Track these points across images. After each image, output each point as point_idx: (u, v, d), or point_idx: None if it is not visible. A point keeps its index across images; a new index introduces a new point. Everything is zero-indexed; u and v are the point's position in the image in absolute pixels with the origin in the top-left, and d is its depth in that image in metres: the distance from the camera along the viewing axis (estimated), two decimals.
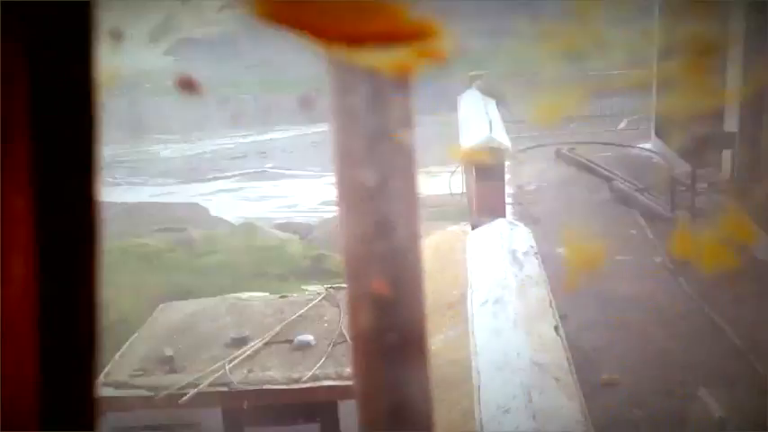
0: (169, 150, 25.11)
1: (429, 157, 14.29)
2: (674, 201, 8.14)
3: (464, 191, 9.70)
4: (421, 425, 0.83)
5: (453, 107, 10.80)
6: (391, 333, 0.81)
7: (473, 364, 5.13)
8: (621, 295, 6.49)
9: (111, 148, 25.61)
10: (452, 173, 10.76)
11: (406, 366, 0.82)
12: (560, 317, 5.48)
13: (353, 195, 0.80)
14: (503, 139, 7.79)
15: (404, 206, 0.81)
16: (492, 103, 10.02)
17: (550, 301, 5.64)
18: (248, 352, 7.34)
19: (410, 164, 0.81)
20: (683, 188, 8.07)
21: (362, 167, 0.78)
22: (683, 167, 8.74)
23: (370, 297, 0.81)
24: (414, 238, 0.83)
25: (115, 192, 19.78)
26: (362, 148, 0.78)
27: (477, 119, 8.90)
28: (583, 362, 5.17)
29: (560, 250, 7.55)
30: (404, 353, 0.82)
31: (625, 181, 9.31)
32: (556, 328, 5.22)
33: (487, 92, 10.72)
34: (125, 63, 33.42)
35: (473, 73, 11.85)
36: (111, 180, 21.49)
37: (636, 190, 8.97)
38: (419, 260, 0.83)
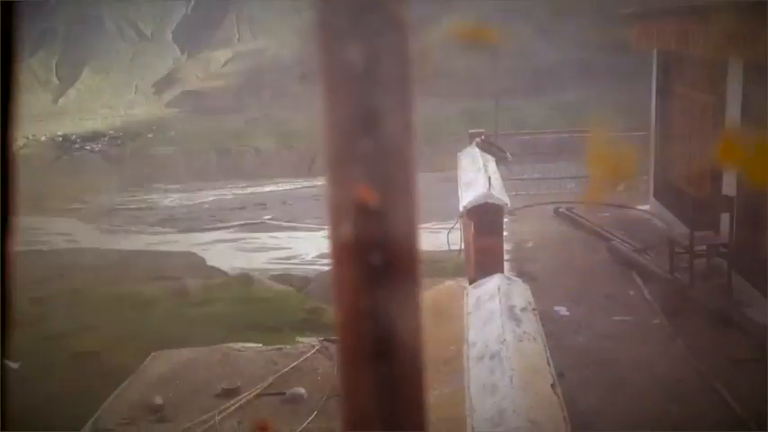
0: (169, 200, 25.16)
1: (429, 214, 14.33)
2: (673, 262, 8.11)
3: (462, 247, 9.67)
4: (408, 356, 0.72)
5: (453, 164, 10.85)
6: (376, 249, 0.70)
7: (468, 421, 5.03)
8: (619, 355, 6.40)
9: (110, 195, 25.68)
10: (450, 229, 10.76)
11: (393, 289, 0.71)
12: (557, 375, 5.40)
13: (336, 79, 0.69)
14: (502, 195, 7.80)
15: (396, 93, 0.69)
16: (491, 161, 10.06)
17: (548, 359, 5.56)
18: (239, 403, 7.23)
19: (404, 42, 0.69)
20: (682, 250, 8.04)
21: (346, 43, 0.67)
22: (681, 229, 8.74)
23: (353, 205, 0.70)
24: (407, 133, 0.70)
25: (112, 239, 19.75)
26: (347, 20, 0.67)
27: (477, 176, 8.93)
28: (580, 422, 5.07)
29: (558, 308, 7.49)
30: (391, 273, 0.71)
31: (623, 242, 9.30)
32: (553, 386, 5.13)
33: (487, 149, 10.78)
34: (129, 113, 33.76)
35: (473, 130, 11.94)
36: (108, 227, 21.47)
37: (634, 251, 8.95)
38: (412, 161, 0.71)
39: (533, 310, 6.52)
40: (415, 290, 0.72)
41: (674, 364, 6.30)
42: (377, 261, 0.70)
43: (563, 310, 7.50)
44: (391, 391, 0.72)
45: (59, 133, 31.42)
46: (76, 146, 30.28)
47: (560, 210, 11.06)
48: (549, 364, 5.56)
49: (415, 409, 0.74)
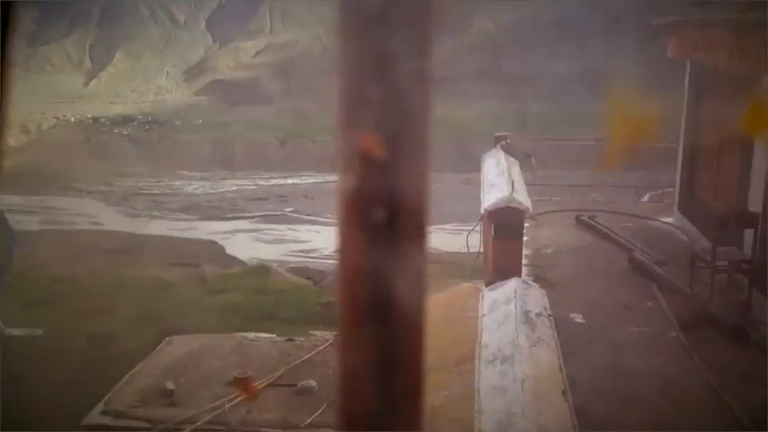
0: (192, 187, 25.31)
1: (449, 215, 14.30)
2: (693, 276, 8.03)
3: (481, 250, 9.64)
4: (407, 319, 0.69)
5: (477, 166, 10.81)
6: (381, 203, 0.67)
7: (476, 422, 5.02)
8: (633, 367, 6.35)
9: (134, 180, 25.89)
10: (470, 231, 10.72)
11: (397, 247, 0.68)
12: (569, 383, 5.37)
13: (352, 22, 0.66)
14: (523, 199, 7.77)
15: (412, 36, 0.66)
16: (515, 164, 10.02)
17: (560, 366, 5.53)
18: None
19: None
20: (703, 264, 7.95)
21: None
22: (703, 244, 8.64)
23: (359, 155, 0.66)
24: (422, 81, 0.67)
25: (135, 223, 19.92)
26: None
27: (500, 178, 8.89)
28: (589, 430, 5.04)
29: (574, 316, 7.44)
30: (396, 230, 0.67)
31: (644, 253, 9.21)
32: (564, 393, 5.11)
33: (512, 153, 10.74)
34: (158, 99, 33.99)
35: (498, 133, 11.90)
36: (132, 211, 21.65)
37: (655, 262, 8.86)
38: (427, 111, 0.67)
39: (549, 315, 6.50)
40: (420, 250, 0.69)
41: (688, 377, 6.23)
42: (381, 216, 0.67)
43: (579, 318, 7.45)
44: (388, 354, 0.70)
45: (89, 115, 31.72)
46: (105, 129, 30.57)
47: (582, 217, 10.98)
48: (561, 371, 5.53)
49: (412, 372, 0.71)
